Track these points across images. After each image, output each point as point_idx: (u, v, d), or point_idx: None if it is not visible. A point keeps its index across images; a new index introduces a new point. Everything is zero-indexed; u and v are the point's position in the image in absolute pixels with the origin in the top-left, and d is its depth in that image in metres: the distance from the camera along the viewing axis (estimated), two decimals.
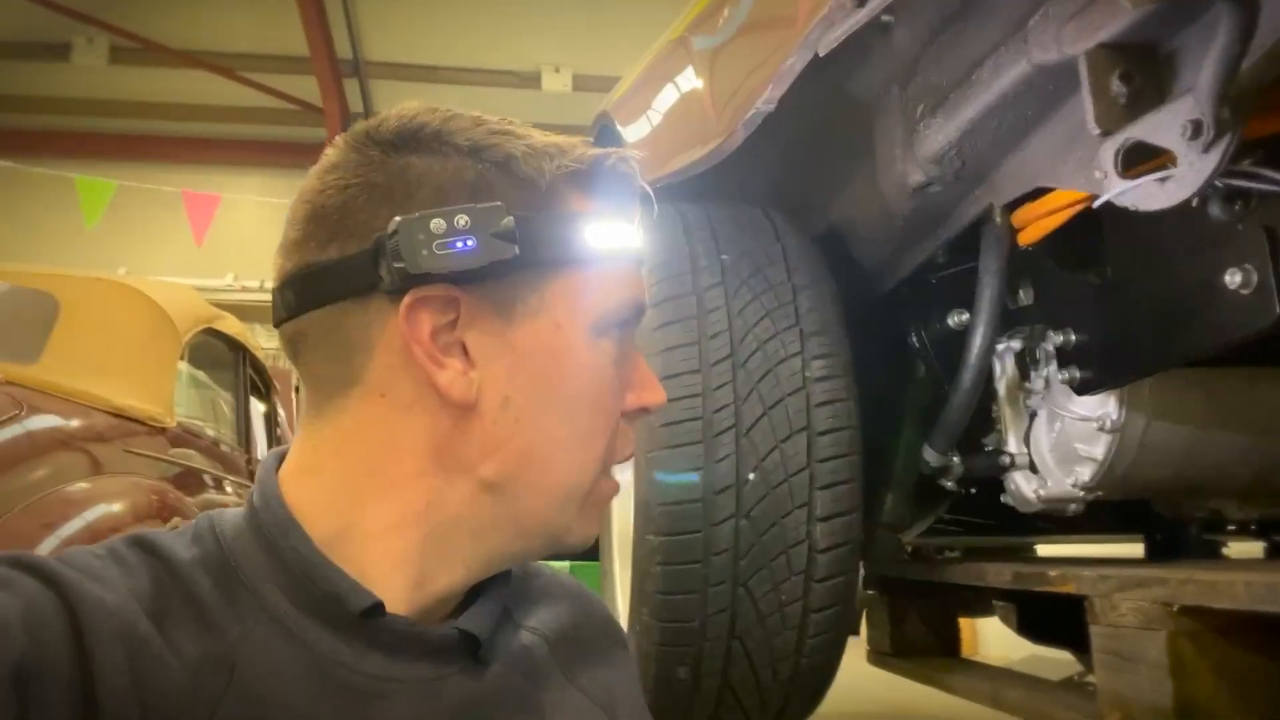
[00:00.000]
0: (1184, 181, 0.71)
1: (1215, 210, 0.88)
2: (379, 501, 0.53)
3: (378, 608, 0.51)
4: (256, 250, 6.79)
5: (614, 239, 0.56)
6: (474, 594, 0.58)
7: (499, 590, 0.59)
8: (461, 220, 0.51)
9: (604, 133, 1.51)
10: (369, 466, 0.53)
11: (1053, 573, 1.19)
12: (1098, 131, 0.79)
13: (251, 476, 3.90)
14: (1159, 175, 0.74)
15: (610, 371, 0.56)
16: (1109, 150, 0.79)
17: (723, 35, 1.16)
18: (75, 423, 2.77)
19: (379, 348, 0.53)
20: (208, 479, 3.50)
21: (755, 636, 1.20)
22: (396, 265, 0.51)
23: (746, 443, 1.17)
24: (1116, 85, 0.79)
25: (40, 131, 7.86)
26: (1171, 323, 1.01)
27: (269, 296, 0.57)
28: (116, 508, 2.52)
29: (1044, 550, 2.36)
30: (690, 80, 1.24)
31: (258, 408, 4.48)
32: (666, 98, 1.30)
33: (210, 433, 3.91)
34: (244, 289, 7.08)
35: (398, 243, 0.51)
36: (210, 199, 5.18)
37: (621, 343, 0.57)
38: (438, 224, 0.51)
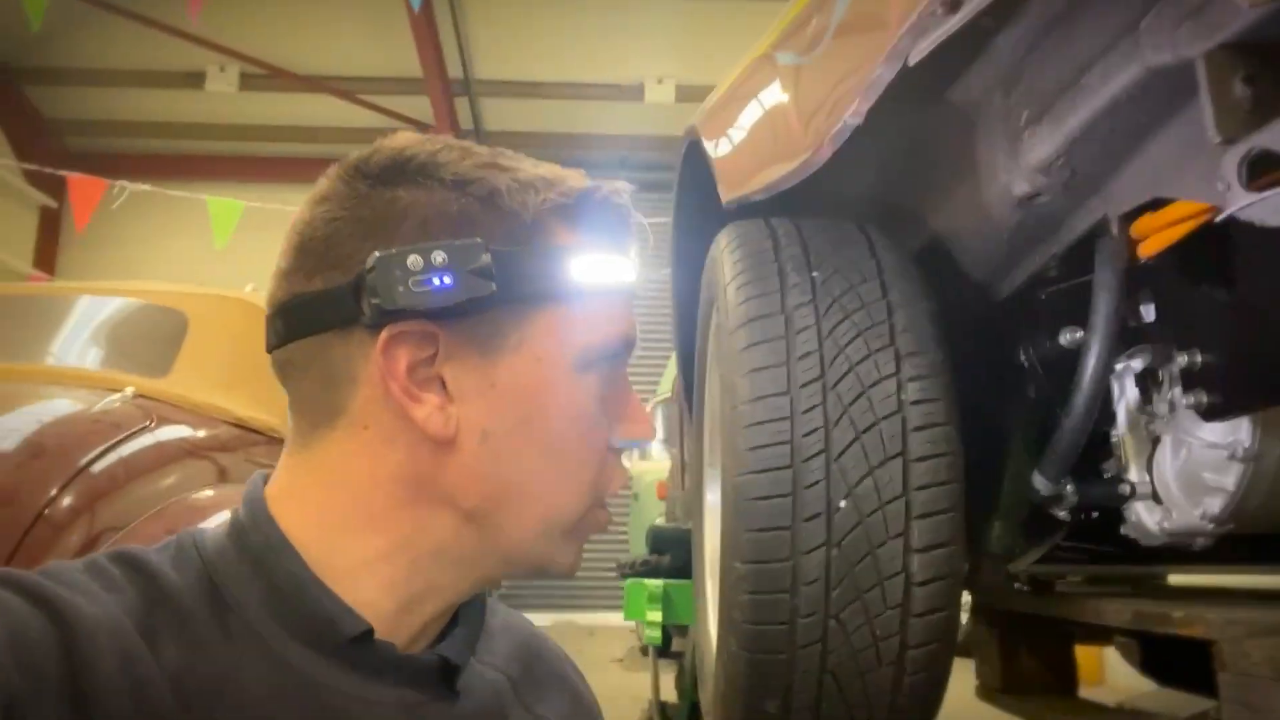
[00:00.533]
0: None
1: None
2: (364, 531, 0.54)
3: (368, 634, 0.52)
4: None
5: (600, 273, 0.56)
6: (451, 620, 0.60)
7: (475, 617, 0.61)
8: (439, 257, 0.51)
9: (691, 149, 1.48)
10: (354, 496, 0.54)
11: (1177, 614, 1.10)
12: (1219, 140, 0.72)
13: None
14: None
15: (593, 407, 0.56)
16: (1232, 160, 0.71)
17: (811, 47, 1.11)
18: (202, 433, 2.92)
19: (361, 380, 0.54)
20: None
21: (848, 671, 1.14)
22: (374, 301, 0.51)
23: (837, 468, 1.12)
24: (1239, 89, 0.72)
25: (175, 155, 8.36)
26: None
27: None
28: None
29: (1175, 579, 2.20)
30: (777, 94, 1.20)
31: None
32: (753, 112, 1.26)
33: None
34: None
35: (375, 278, 0.51)
36: None
37: (609, 376, 0.57)
38: (415, 260, 0.51)
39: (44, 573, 0.47)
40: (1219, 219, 0.74)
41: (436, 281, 0.51)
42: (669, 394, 6.30)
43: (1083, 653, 2.87)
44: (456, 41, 7.61)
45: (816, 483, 1.12)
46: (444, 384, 0.54)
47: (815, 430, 1.13)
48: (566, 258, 0.55)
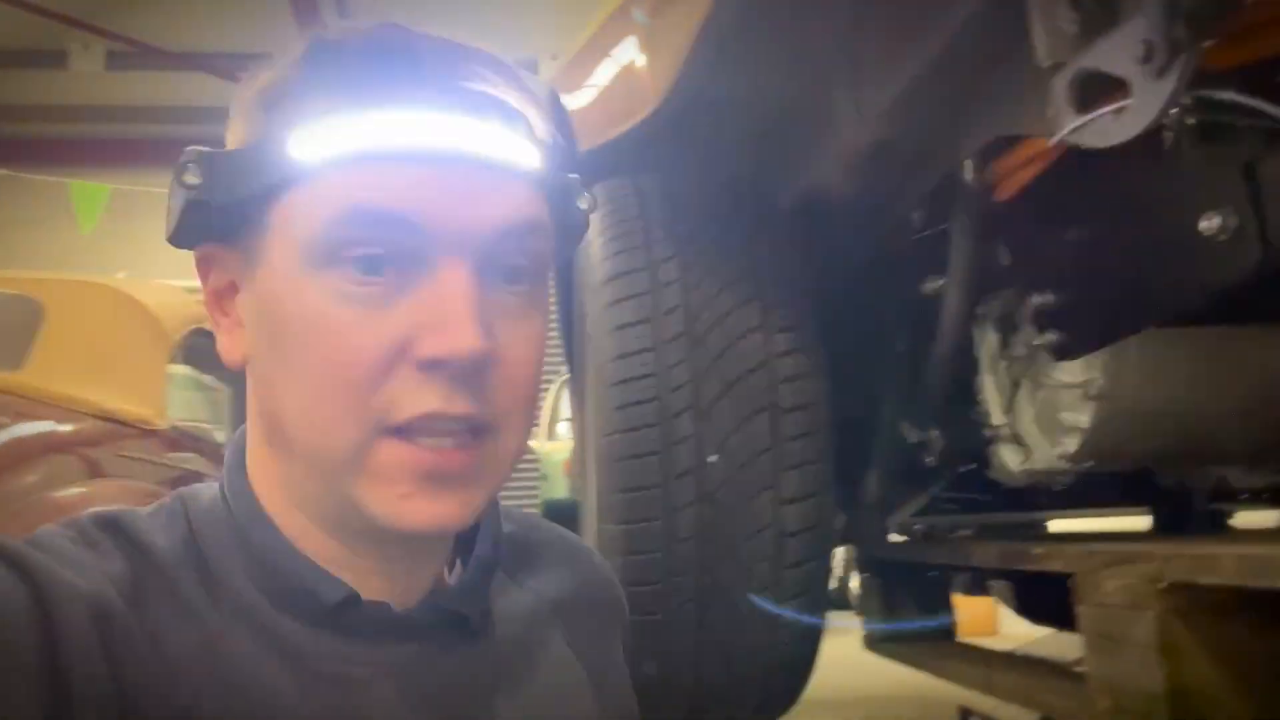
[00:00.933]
0: (1140, 112, 0.64)
1: (1188, 148, 0.80)
2: (271, 483, 0.51)
3: (352, 598, 0.49)
4: None
5: (316, 143, 0.46)
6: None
7: (480, 559, 0.54)
8: (178, 175, 0.48)
9: (555, 106, 1.44)
10: (256, 446, 0.52)
11: (1038, 550, 1.12)
12: (1048, 64, 0.72)
13: None
14: (1113, 107, 0.66)
15: (339, 310, 0.46)
16: (1061, 84, 0.71)
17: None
18: (65, 428, 2.75)
19: None
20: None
21: (725, 630, 1.14)
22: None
23: (706, 424, 1.10)
24: (1065, 12, 0.71)
25: (37, 139, 7.87)
26: (1148, 277, 0.93)
27: None
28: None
29: (1054, 526, 2.28)
30: (630, 46, 1.17)
31: None
32: (609, 64, 1.23)
33: (215, 434, 3.88)
34: None
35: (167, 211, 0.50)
36: None
37: (377, 270, 0.46)
38: (171, 186, 0.48)
39: (32, 541, 0.45)
40: (1051, 142, 0.74)
41: (173, 202, 0.48)
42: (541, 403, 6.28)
43: (977, 604, 2.96)
44: (338, 17, 7.35)
45: (686, 438, 1.10)
46: (239, 309, 0.51)
47: (683, 385, 1.11)
48: (282, 140, 0.47)
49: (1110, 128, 0.66)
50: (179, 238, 0.50)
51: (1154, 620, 0.91)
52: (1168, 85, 0.61)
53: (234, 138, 0.50)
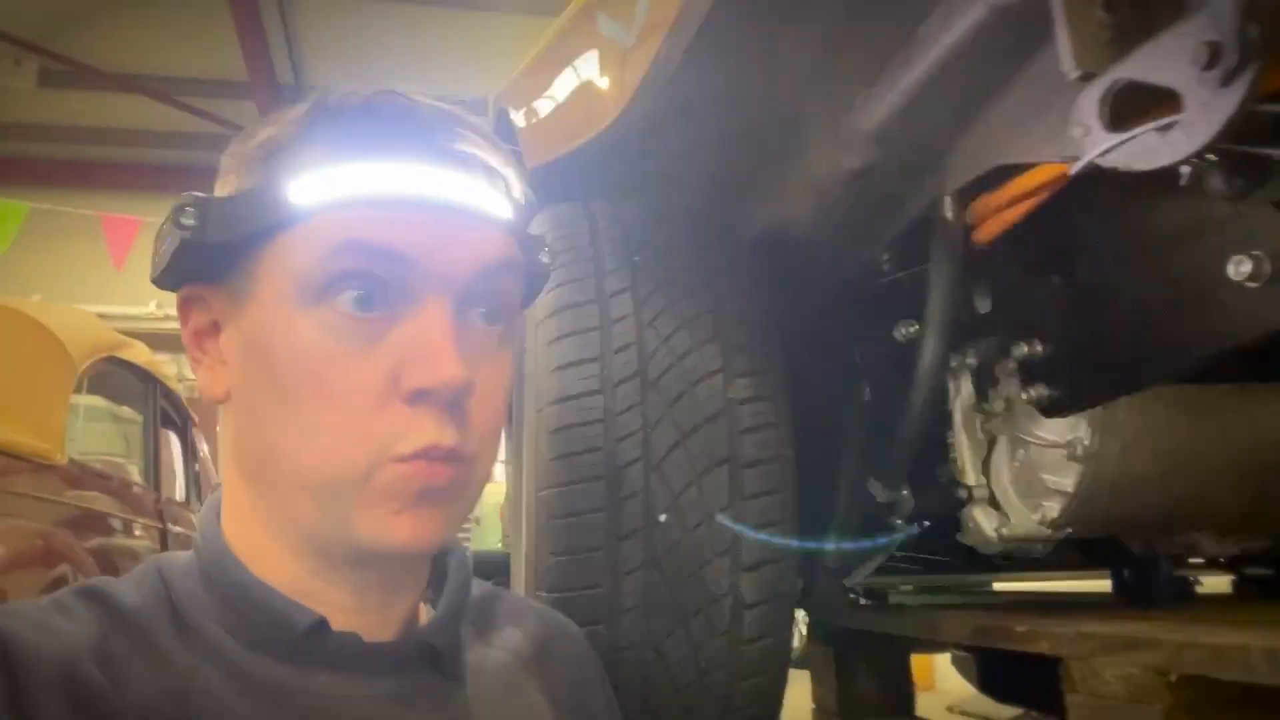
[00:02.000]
0: (1195, 128, 0.54)
1: (1216, 185, 0.71)
2: (244, 518, 0.55)
3: (321, 624, 0.51)
4: None
5: (314, 190, 0.50)
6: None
7: (451, 597, 0.58)
8: (168, 222, 0.53)
9: (500, 124, 1.32)
10: (229, 482, 0.56)
11: (1020, 628, 1.00)
12: (1077, 75, 0.62)
13: (160, 516, 3.61)
14: (1160, 123, 0.56)
15: (332, 345, 0.50)
16: (1092, 97, 0.61)
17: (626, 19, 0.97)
18: None
19: None
20: (115, 522, 3.21)
21: (673, 712, 1.00)
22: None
23: (657, 477, 0.97)
24: (1100, 15, 0.62)
25: None
26: (1160, 327, 0.84)
27: None
28: None
29: (1000, 585, 2.18)
30: (589, 56, 1.06)
31: (175, 443, 4.19)
32: (564, 76, 1.11)
33: (126, 467, 3.62)
34: (167, 316, 6.75)
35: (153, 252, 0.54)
36: (129, 223, 4.89)
37: (368, 306, 0.50)
38: (163, 229, 0.53)
39: (1, 610, 0.47)
40: (1075, 170, 0.64)
41: (163, 245, 0.53)
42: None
43: (914, 659, 2.86)
44: (286, 44, 7.19)
45: (634, 494, 0.97)
46: (221, 348, 0.55)
47: (633, 434, 0.98)
48: (281, 184, 0.51)
49: (1158, 147, 0.56)
50: (166, 278, 0.54)
51: (1161, 717, 0.80)
52: (1233, 96, 0.51)
53: (227, 186, 0.54)
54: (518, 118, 1.22)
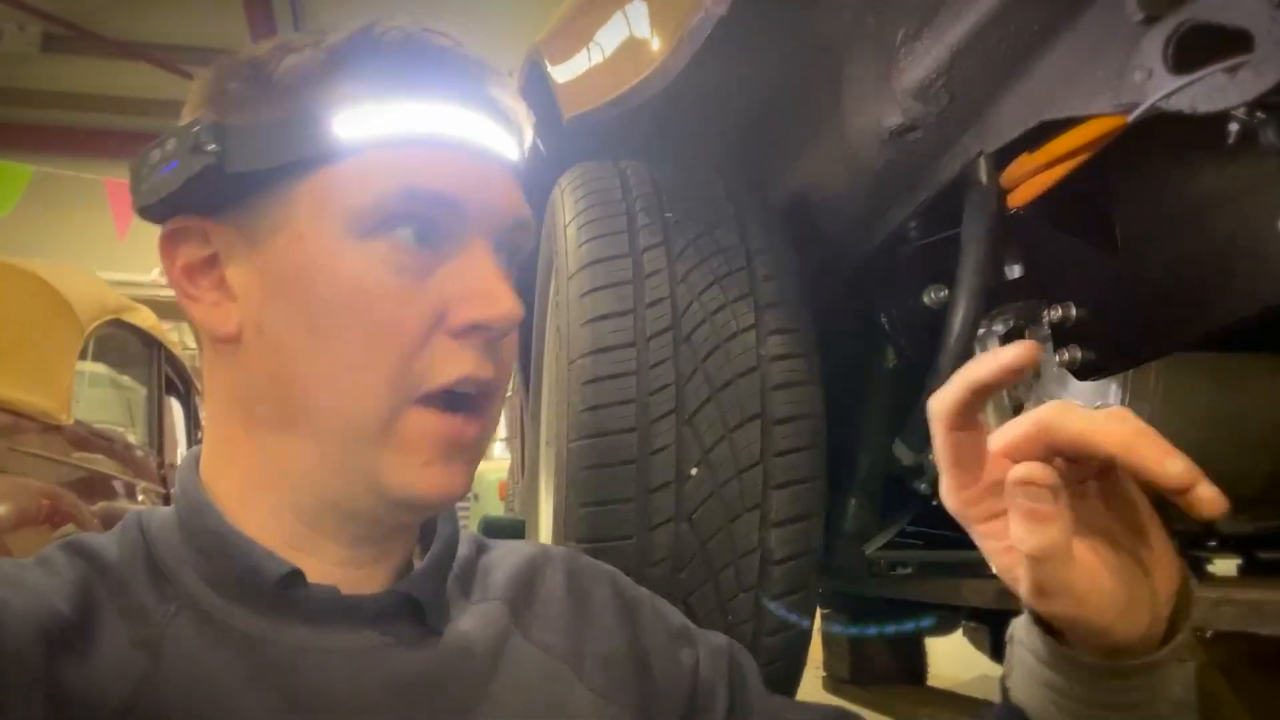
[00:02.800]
0: (1268, 65, 0.53)
1: (1270, 139, 0.71)
2: (239, 466, 0.53)
3: (295, 576, 0.50)
4: None
5: (368, 124, 0.50)
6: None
7: (439, 549, 0.56)
8: (170, 144, 0.50)
9: (532, 76, 1.31)
10: (222, 430, 0.54)
11: None
12: (1141, 16, 0.62)
13: (163, 481, 3.61)
14: (1229, 63, 0.56)
15: (387, 277, 0.49)
16: (1157, 40, 0.61)
17: None
18: None
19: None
20: (118, 485, 3.21)
21: None
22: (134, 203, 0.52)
23: (689, 431, 0.97)
24: None
25: None
26: (1201, 288, 0.84)
27: None
28: None
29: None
30: (636, 6, 1.04)
31: (177, 408, 4.19)
32: (609, 27, 1.10)
33: (126, 435, 3.61)
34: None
35: (131, 178, 0.52)
36: None
37: (422, 243, 0.50)
38: (155, 154, 0.51)
39: None
40: (1135, 115, 0.63)
41: (165, 169, 0.50)
42: (508, 392, 6.11)
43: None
44: (291, 12, 7.13)
45: (665, 447, 0.97)
46: (226, 283, 0.52)
47: (665, 387, 0.98)
48: (325, 116, 0.50)
49: (1226, 87, 0.55)
50: (158, 208, 0.51)
51: (1195, 673, 0.80)
52: None
53: (243, 114, 0.51)
54: (556, 71, 1.21)
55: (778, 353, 1.01)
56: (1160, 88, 0.60)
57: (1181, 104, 0.59)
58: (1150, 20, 0.61)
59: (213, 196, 0.51)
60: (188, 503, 0.53)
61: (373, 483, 0.50)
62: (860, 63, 1.00)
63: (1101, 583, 0.44)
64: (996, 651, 1.80)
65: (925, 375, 1.18)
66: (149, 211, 0.52)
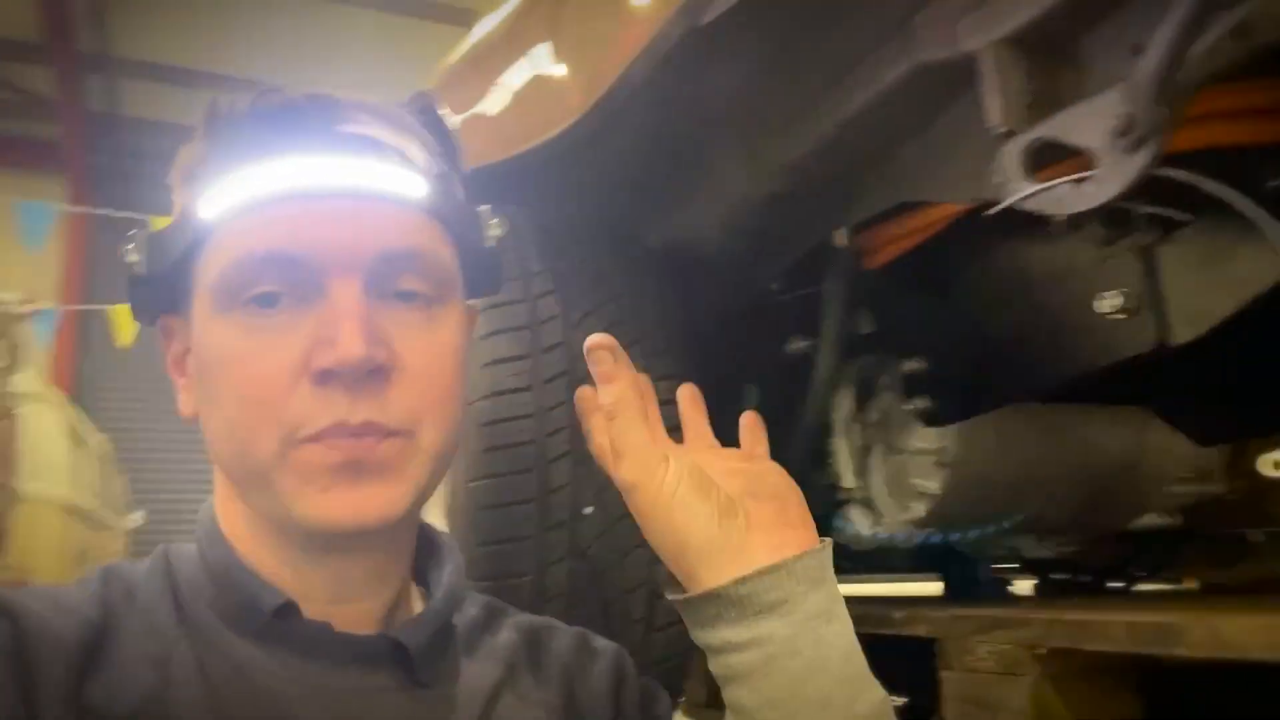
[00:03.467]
0: (1106, 183, 0.65)
1: (1093, 232, 0.85)
2: (234, 506, 0.57)
3: (289, 607, 0.53)
4: None
5: (216, 200, 0.53)
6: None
7: (438, 604, 0.59)
8: (129, 254, 0.56)
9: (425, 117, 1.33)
10: (220, 479, 0.59)
11: (898, 614, 1.13)
12: (1002, 130, 0.73)
13: None
14: (1075, 177, 0.68)
15: (242, 341, 0.52)
16: (1015, 151, 0.73)
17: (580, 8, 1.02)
18: None
19: None
20: None
21: None
22: None
23: (584, 471, 1.02)
24: (1022, 81, 0.73)
25: None
26: (1036, 350, 0.98)
27: None
28: None
29: (847, 590, 2.35)
30: (542, 54, 1.09)
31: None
32: (507, 79, 1.14)
33: None
34: None
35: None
36: None
37: (285, 299, 0.52)
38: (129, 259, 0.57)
39: (27, 590, 0.51)
40: (994, 211, 0.75)
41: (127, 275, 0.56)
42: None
43: None
44: (93, 8, 6.63)
45: (562, 487, 1.02)
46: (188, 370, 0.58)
47: (561, 429, 1.03)
48: (192, 201, 0.54)
49: (1070, 197, 0.67)
50: (139, 314, 0.59)
51: (1029, 686, 0.93)
52: (1140, 160, 0.63)
53: (172, 215, 0.57)
54: (455, 119, 1.24)
55: (666, 396, 1.07)
56: (1016, 191, 0.72)
57: (1033, 206, 0.71)
58: (1010, 133, 0.72)
59: (166, 296, 0.57)
60: (204, 536, 0.57)
61: (284, 511, 0.52)
62: (742, 133, 1.10)
63: (686, 494, 0.56)
64: None
65: (786, 419, 1.28)
66: (138, 318, 0.59)
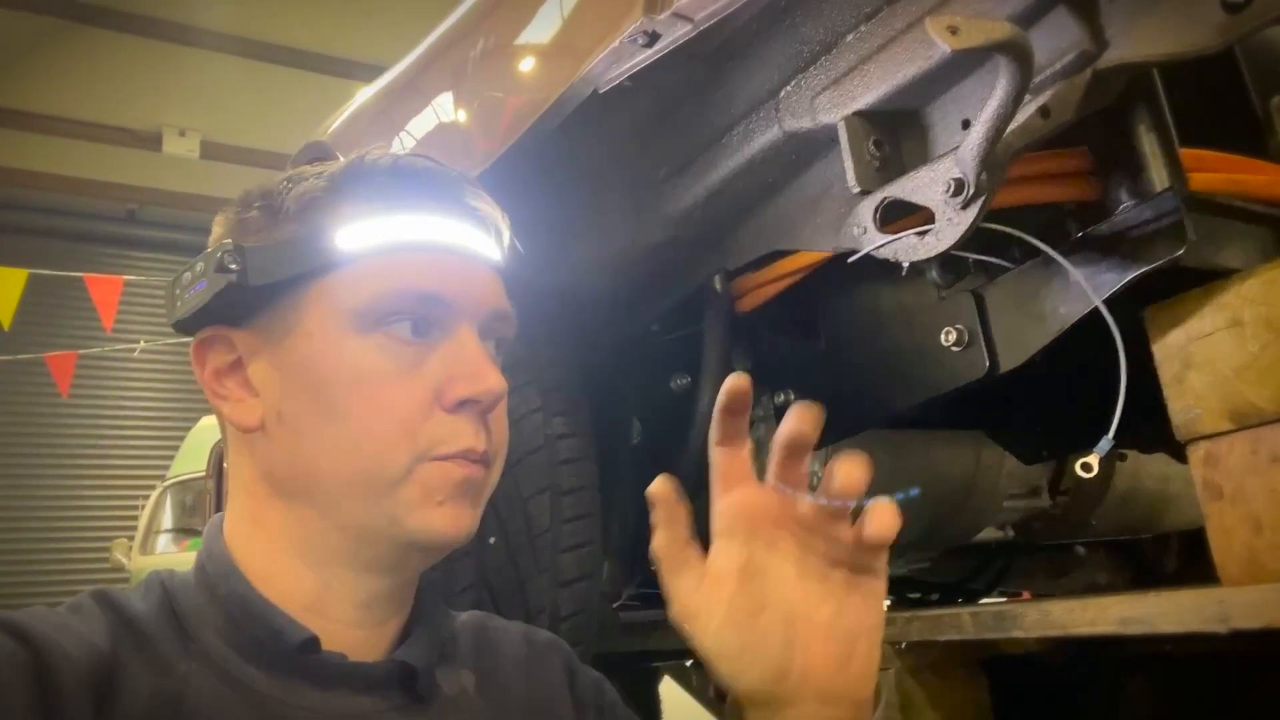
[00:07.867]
0: (943, 235, 0.78)
1: (934, 276, 0.99)
2: (264, 538, 0.59)
3: (313, 642, 0.56)
4: None
5: (361, 237, 0.58)
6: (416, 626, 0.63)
7: (433, 620, 0.63)
8: (199, 266, 0.60)
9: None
10: (245, 504, 0.61)
11: None
12: (857, 190, 0.86)
13: None
14: (918, 230, 0.81)
15: (385, 364, 0.57)
16: (868, 208, 0.85)
17: (484, 56, 1.10)
18: None
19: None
20: None
21: None
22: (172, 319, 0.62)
23: (488, 503, 1.08)
24: (871, 149, 0.86)
25: None
26: (888, 380, 1.11)
27: None
28: None
29: None
30: (444, 102, 1.16)
31: None
32: (416, 119, 1.20)
33: None
34: None
35: (167, 298, 0.62)
36: None
37: (416, 334, 0.58)
38: (187, 276, 0.60)
39: (29, 614, 0.52)
40: (853, 259, 0.87)
41: (195, 288, 0.59)
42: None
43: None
44: None
45: None
46: (250, 382, 0.60)
47: None
48: (328, 232, 0.58)
49: (915, 246, 0.80)
50: (191, 321, 0.61)
51: (894, 679, 1.04)
52: (970, 216, 0.76)
53: (258, 237, 0.60)
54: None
55: (561, 431, 1.16)
56: (871, 241, 0.84)
57: (886, 254, 0.84)
58: (864, 193, 0.85)
59: (236, 308, 0.59)
60: (215, 568, 0.58)
61: (394, 523, 0.56)
62: (629, 183, 1.20)
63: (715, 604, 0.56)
64: (716, 694, 2.02)
65: (666, 449, 1.38)
66: (183, 325, 0.61)
